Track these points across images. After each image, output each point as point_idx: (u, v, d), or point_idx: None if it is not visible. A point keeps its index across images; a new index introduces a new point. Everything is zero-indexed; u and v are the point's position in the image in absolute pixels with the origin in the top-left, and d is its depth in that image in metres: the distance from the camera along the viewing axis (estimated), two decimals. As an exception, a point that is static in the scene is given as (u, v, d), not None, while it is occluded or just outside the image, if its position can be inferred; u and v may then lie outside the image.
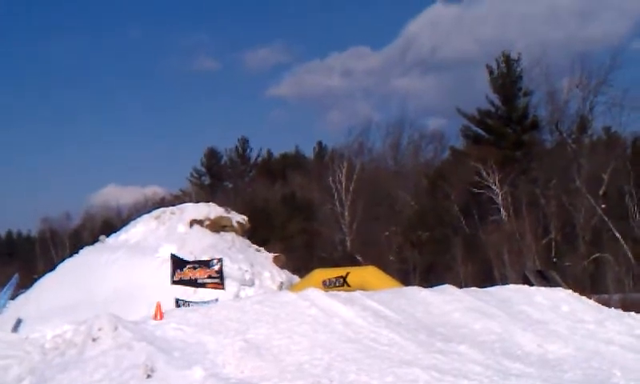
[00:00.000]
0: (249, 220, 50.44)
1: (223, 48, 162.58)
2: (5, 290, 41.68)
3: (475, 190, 58.89)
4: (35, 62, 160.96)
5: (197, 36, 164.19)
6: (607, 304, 25.69)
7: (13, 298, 42.04)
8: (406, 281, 42.77)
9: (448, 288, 21.79)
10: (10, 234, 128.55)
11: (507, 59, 62.92)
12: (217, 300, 28.02)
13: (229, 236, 46.55)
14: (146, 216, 49.27)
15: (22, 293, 44.17)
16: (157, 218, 47.48)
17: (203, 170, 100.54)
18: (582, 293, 24.66)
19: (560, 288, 24.83)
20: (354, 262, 54.02)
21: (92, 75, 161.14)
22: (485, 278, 47.22)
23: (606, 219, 53.40)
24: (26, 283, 48.91)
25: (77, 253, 47.80)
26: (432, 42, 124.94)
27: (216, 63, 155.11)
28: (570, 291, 23.42)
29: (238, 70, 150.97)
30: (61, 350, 14.52)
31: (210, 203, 50.65)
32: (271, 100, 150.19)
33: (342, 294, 19.99)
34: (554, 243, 55.26)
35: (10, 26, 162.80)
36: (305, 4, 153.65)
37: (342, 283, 32.82)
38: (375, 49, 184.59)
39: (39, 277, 48.75)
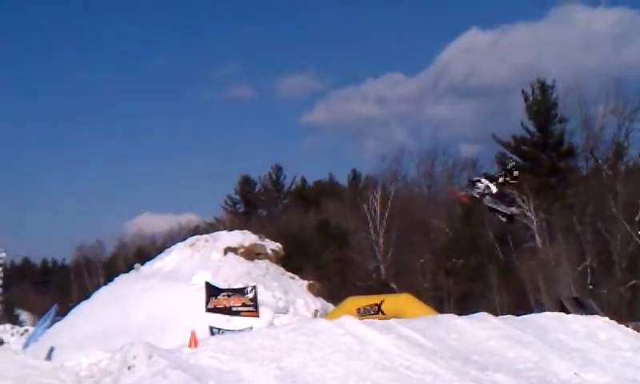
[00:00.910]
0: (283, 247, 50.53)
1: (257, 75, 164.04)
2: (43, 319, 41.90)
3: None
4: (70, 91, 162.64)
5: (231, 64, 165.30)
6: (644, 331, 25.43)
7: (49, 327, 42.28)
8: (440, 308, 42.57)
9: (483, 315, 21.63)
10: (45, 262, 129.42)
11: (542, 86, 62.65)
12: (251, 328, 27.95)
13: (263, 263, 46.63)
14: (180, 244, 49.49)
15: (57, 320, 44.40)
16: (191, 245, 47.65)
17: (237, 197, 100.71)
18: (618, 320, 24.44)
19: (596, 315, 24.62)
20: (388, 290, 53.81)
21: (127, 105, 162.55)
22: (520, 305, 46.91)
23: (643, 246, 52.95)
24: (61, 311, 49.21)
25: (111, 281, 48.08)
26: (466, 69, 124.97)
27: (250, 91, 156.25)
28: (607, 319, 23.19)
29: (271, 98, 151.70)
30: (96, 378, 14.53)
31: (245, 231, 50.76)
32: (305, 127, 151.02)
33: (377, 321, 19.91)
34: (589, 270, 54.75)
35: (41, 55, 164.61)
36: (339, 31, 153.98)
37: (377, 311, 32.72)
38: (409, 75, 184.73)
39: (74, 305, 49.05)
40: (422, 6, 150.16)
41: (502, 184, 22.24)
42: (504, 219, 23.79)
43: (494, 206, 22.62)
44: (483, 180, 22.23)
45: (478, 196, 22.28)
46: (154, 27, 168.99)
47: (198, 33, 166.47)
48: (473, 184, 22.28)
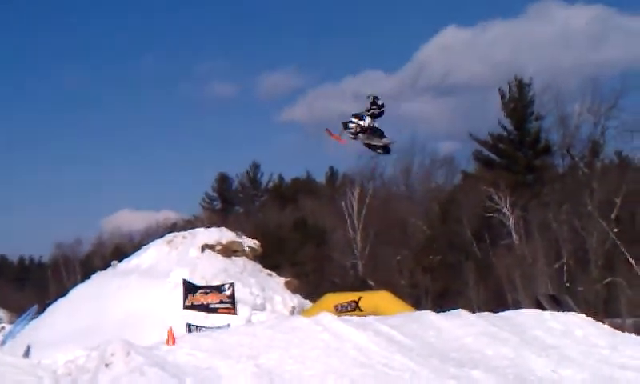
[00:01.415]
0: (260, 245, 50.48)
1: (237, 73, 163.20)
2: (22, 318, 41.71)
3: (487, 214, 58.82)
4: (49, 86, 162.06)
5: (210, 62, 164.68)
6: (621, 328, 25.62)
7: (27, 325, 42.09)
8: (418, 305, 42.62)
9: (460, 313, 21.68)
10: (22, 259, 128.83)
11: (519, 83, 62.83)
12: (229, 325, 27.91)
13: (240, 261, 46.59)
14: (157, 241, 49.36)
15: (34, 318, 44.21)
16: (168, 242, 47.55)
17: (215, 194, 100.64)
18: (595, 317, 24.52)
19: (573, 313, 24.70)
20: (366, 287, 53.94)
21: (105, 100, 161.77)
22: (497, 302, 47.07)
23: (619, 243, 53.13)
24: (39, 309, 48.98)
25: (89, 278, 47.89)
26: (445, 66, 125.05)
27: (229, 88, 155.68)
28: (583, 315, 23.27)
29: (251, 95, 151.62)
30: (73, 375, 14.50)
31: (222, 228, 50.68)
32: (284, 125, 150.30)
33: (355, 318, 19.95)
34: (566, 267, 54.99)
35: (24, 52, 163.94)
36: (319, 28, 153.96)
37: (355, 308, 32.73)
38: (388, 73, 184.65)
39: (51, 302, 48.81)
40: (402, 3, 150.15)
41: (372, 117, 22.64)
42: (380, 152, 24.11)
43: (369, 141, 23.11)
44: (354, 120, 22.63)
45: (352, 136, 22.70)
46: (140, 25, 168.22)
47: (184, 30, 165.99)
48: (345, 126, 22.66)
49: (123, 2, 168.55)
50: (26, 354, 31.47)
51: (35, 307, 41.23)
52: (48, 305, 48.03)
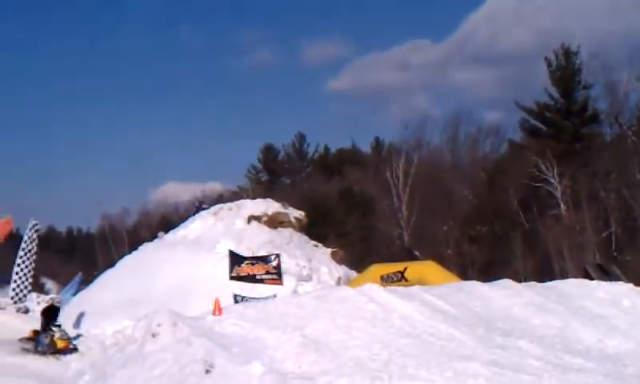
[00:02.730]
0: (306, 215, 50.48)
1: (282, 43, 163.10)
2: (68, 287, 42.06)
3: (534, 184, 58.31)
4: (93, 61, 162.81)
5: (255, 31, 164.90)
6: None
7: (75, 294, 42.50)
8: (464, 275, 42.49)
9: (507, 282, 21.62)
10: (70, 230, 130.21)
11: (566, 52, 62.12)
12: (275, 296, 28.00)
13: (286, 232, 46.65)
14: (204, 212, 49.51)
15: (82, 289, 44.62)
16: (215, 214, 47.69)
17: (260, 166, 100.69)
18: (643, 287, 24.31)
19: (621, 282, 24.53)
20: (411, 257, 53.78)
21: (151, 73, 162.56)
22: (544, 272, 46.81)
23: (668, 212, 52.62)
24: (86, 279, 49.42)
25: (136, 249, 48.21)
26: (491, 35, 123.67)
27: (274, 58, 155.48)
28: (631, 285, 23.10)
29: (296, 65, 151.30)
30: (121, 345, 14.66)
31: (268, 199, 50.72)
32: (329, 95, 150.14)
33: (400, 289, 19.95)
34: (614, 237, 54.51)
35: (71, 21, 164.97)
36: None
37: (400, 278, 32.74)
38: (435, 42, 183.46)
39: (99, 273, 49.27)
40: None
41: None
42: None
43: None
44: None
45: None
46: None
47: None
48: None
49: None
50: (77, 324, 31.88)
51: (80, 275, 41.55)
52: (96, 276, 48.50)
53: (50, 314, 18.00)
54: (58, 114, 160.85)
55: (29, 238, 33.12)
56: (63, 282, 51.48)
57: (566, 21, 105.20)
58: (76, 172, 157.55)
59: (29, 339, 16.72)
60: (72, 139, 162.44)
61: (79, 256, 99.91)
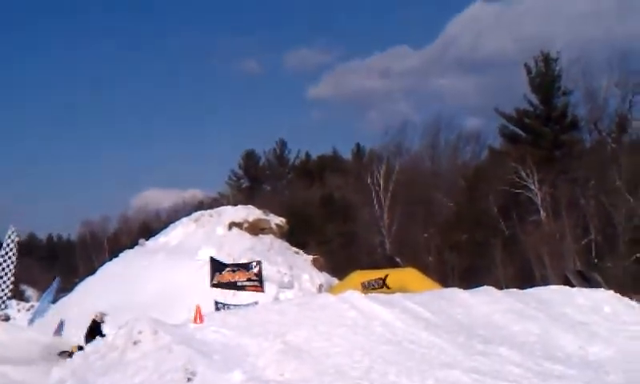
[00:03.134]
0: (287, 222, 50.54)
1: (263, 49, 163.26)
2: (46, 293, 42.04)
3: (514, 191, 58.51)
4: (74, 67, 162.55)
5: (237, 38, 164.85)
6: (649, 305, 25.45)
7: (54, 301, 42.40)
8: (445, 282, 42.54)
9: (487, 289, 21.71)
10: (50, 238, 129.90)
11: (546, 58, 62.34)
12: (256, 303, 28.06)
13: (267, 238, 46.69)
14: (184, 219, 49.55)
15: (63, 296, 44.52)
16: (196, 220, 47.74)
17: (241, 172, 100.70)
18: (623, 294, 24.44)
19: (601, 289, 24.66)
20: (392, 264, 53.71)
21: (131, 79, 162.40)
22: (525, 279, 46.90)
23: (647, 218, 52.85)
24: (67, 286, 49.33)
25: (117, 256, 48.17)
26: (472, 42, 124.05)
27: (256, 65, 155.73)
28: (612, 292, 23.24)
29: (277, 71, 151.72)
30: (102, 353, 14.64)
31: (249, 206, 50.80)
32: (310, 101, 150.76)
33: (381, 296, 19.99)
34: (594, 244, 54.73)
35: (51, 33, 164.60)
36: (347, 4, 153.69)
37: (382, 285, 32.78)
38: (416, 48, 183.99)
39: (80, 280, 49.21)
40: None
41: None
42: None
43: None
44: None
45: None
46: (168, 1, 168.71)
47: (212, 6, 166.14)
48: None
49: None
50: (59, 330, 31.81)
51: (58, 279, 41.56)
52: (77, 283, 48.44)
53: (95, 330, 18.12)
54: (39, 121, 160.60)
55: (8, 245, 33.01)
56: (43, 289, 51.38)
57: (547, 27, 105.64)
58: (57, 179, 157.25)
59: (71, 354, 16.75)
60: (53, 146, 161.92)
61: (60, 263, 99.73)
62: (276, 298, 35.30)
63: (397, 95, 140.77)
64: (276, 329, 15.58)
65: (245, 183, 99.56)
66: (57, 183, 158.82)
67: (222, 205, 56.82)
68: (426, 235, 63.91)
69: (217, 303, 29.86)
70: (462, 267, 59.35)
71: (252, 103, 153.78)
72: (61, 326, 32.64)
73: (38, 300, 53.59)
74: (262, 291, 32.43)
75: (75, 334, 26.17)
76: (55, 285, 41.59)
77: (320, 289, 41.10)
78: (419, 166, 75.64)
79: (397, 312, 17.22)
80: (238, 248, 42.85)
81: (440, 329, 16.50)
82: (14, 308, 51.22)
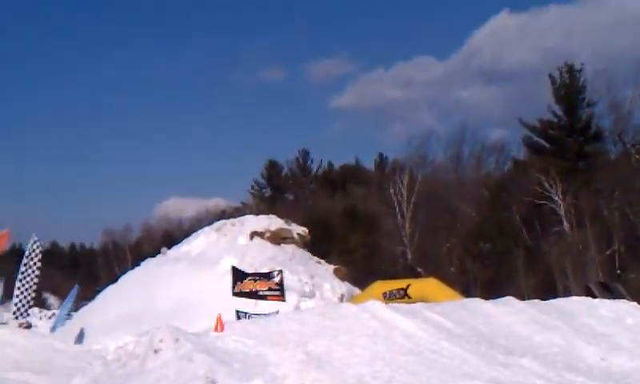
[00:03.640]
0: (309, 232, 50.57)
1: (287, 59, 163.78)
2: (66, 301, 42.18)
3: (537, 202, 58.28)
4: (99, 74, 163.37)
5: (262, 48, 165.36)
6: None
7: (75, 309, 42.56)
8: (467, 293, 42.48)
9: (510, 300, 21.58)
10: (73, 246, 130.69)
11: (570, 69, 62.20)
12: (277, 312, 28.02)
13: (289, 248, 46.73)
14: (206, 228, 49.69)
15: (84, 304, 44.68)
16: (217, 230, 47.82)
17: (264, 181, 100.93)
18: (646, 305, 24.29)
19: (624, 300, 24.50)
20: (414, 274, 53.76)
21: (156, 88, 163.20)
22: (547, 290, 46.73)
23: (671, 230, 52.57)
24: (89, 295, 49.51)
25: (138, 265, 48.32)
26: (496, 52, 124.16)
27: (280, 74, 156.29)
28: (635, 303, 23.07)
29: (302, 81, 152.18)
30: (123, 361, 14.61)
31: (271, 215, 50.88)
32: (333, 111, 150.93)
33: (403, 306, 19.90)
34: (617, 255, 54.44)
35: (77, 33, 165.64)
36: (371, 14, 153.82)
37: (403, 295, 32.75)
38: (440, 59, 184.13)
39: (101, 288, 49.38)
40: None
41: None
42: None
43: None
44: None
45: None
46: (191, 10, 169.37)
47: (235, 16, 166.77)
48: None
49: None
50: (79, 339, 31.92)
51: (77, 287, 41.68)
52: (98, 291, 48.59)
53: None
54: (62, 129, 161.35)
55: (30, 253, 33.16)
56: (64, 297, 51.62)
57: (571, 38, 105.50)
58: (79, 188, 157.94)
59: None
60: (76, 155, 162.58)
61: (82, 272, 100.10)
62: (297, 308, 35.30)
63: (420, 106, 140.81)
64: (297, 338, 15.54)
65: (267, 193, 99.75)
66: (79, 192, 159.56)
67: (245, 214, 56.90)
68: (448, 245, 63.78)
69: (238, 312, 29.82)
70: (484, 278, 59.18)
71: (275, 113, 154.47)
72: (81, 334, 32.77)
73: (59, 308, 53.83)
74: (284, 300, 32.35)
75: (97, 342, 26.23)
76: (74, 292, 41.73)
77: (341, 298, 41.07)
78: (442, 177, 75.55)
79: (418, 322, 17.15)
80: (259, 257, 42.90)
81: (462, 339, 16.42)
82: (36, 316, 51.50)
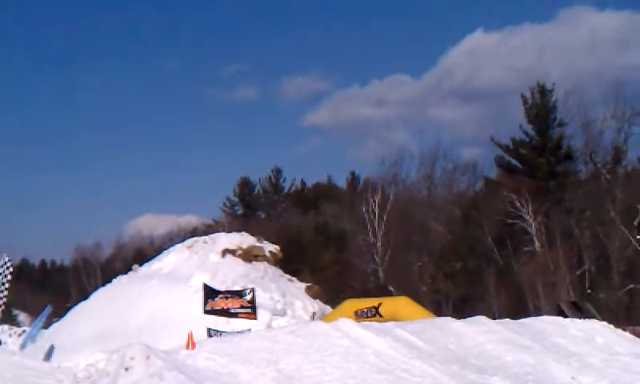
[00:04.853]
0: (281, 250, 50.49)
1: (260, 76, 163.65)
2: (37, 320, 41.85)
3: (508, 221, 58.49)
4: (71, 92, 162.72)
5: (234, 65, 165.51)
6: (642, 336, 25.42)
7: (45, 327, 42.23)
8: (438, 312, 42.61)
9: (481, 319, 21.63)
10: (43, 263, 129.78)
11: (542, 89, 62.55)
12: (249, 330, 27.94)
13: (261, 265, 46.62)
14: (178, 245, 49.50)
15: (55, 321, 44.36)
16: (189, 247, 47.65)
17: (236, 199, 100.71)
18: (616, 325, 24.43)
19: (594, 320, 24.64)
20: (386, 293, 53.81)
21: (129, 105, 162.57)
22: (518, 309, 46.88)
23: (641, 250, 52.90)
24: (59, 312, 49.16)
25: (110, 282, 48.07)
26: (470, 71, 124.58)
27: (254, 92, 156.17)
28: (605, 323, 23.21)
29: (276, 99, 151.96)
30: (93, 379, 14.53)
31: (243, 233, 50.77)
32: (306, 129, 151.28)
33: (375, 324, 19.90)
34: (587, 274, 54.72)
35: (45, 55, 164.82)
36: (346, 31, 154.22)
37: (375, 314, 32.72)
38: (415, 77, 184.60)
39: (72, 306, 49.05)
40: (429, 6, 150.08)
41: None
42: None
43: None
44: None
45: None
46: (164, 28, 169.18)
47: (209, 34, 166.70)
48: None
49: (149, 5, 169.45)
50: (48, 356, 31.62)
51: (49, 307, 41.36)
52: (69, 308, 48.27)
53: None
54: (33, 145, 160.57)
55: (1, 273, 32.89)
56: (36, 314, 51.19)
57: (544, 58, 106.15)
58: (50, 203, 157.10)
59: None
60: (47, 170, 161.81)
61: (52, 288, 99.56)
62: (269, 326, 35.18)
63: (394, 124, 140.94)
64: (268, 356, 15.52)
65: (240, 210, 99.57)
66: (50, 207, 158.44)
67: (217, 231, 56.76)
68: (420, 264, 63.88)
69: (210, 330, 29.72)
70: (455, 296, 59.34)
71: (248, 130, 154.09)
72: (50, 351, 32.49)
73: (30, 325, 53.43)
74: (255, 318, 32.24)
75: (68, 359, 26.02)
76: (46, 312, 41.46)
77: (313, 317, 40.99)
78: (414, 195, 75.72)
79: (390, 340, 17.15)
80: (231, 275, 42.75)
81: (433, 358, 16.44)
82: (6, 333, 51.07)
